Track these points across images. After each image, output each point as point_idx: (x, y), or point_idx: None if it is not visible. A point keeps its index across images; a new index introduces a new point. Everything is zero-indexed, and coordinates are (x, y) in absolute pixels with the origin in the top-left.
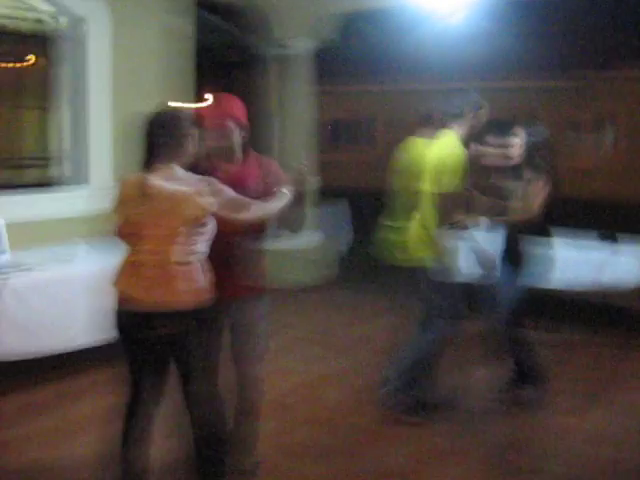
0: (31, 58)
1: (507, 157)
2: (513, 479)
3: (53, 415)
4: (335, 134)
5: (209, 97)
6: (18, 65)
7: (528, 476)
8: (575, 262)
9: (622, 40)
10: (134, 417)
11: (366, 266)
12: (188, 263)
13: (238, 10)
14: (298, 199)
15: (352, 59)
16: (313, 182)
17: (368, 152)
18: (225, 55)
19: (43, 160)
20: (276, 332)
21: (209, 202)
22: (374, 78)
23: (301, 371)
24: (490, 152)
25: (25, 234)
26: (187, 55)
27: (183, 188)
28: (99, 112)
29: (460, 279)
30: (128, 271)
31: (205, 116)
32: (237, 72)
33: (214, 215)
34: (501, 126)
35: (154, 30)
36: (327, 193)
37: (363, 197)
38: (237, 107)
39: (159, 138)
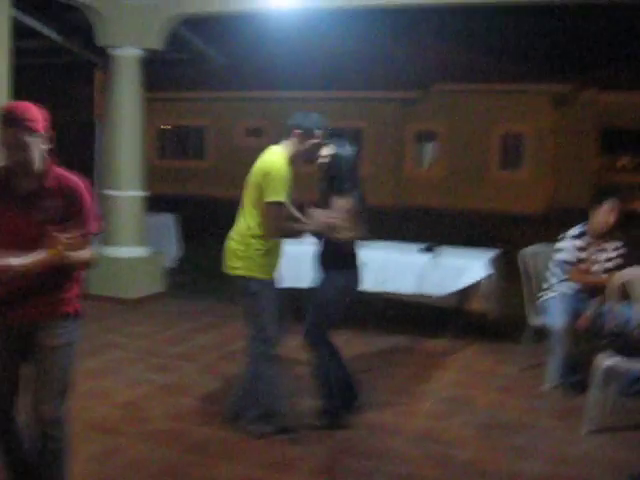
0: None
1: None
2: None
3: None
4: (165, 142)
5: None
6: None
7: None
8: (397, 268)
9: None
10: None
11: (196, 276)
12: None
13: (61, 13)
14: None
15: (180, 66)
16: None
17: (197, 161)
18: (47, 59)
19: None
20: (98, 350)
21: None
22: (205, 86)
23: (124, 390)
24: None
25: None
26: (8, 49)
27: None
28: None
29: (284, 285)
30: None
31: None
32: (60, 77)
33: None
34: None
35: None
36: (155, 202)
37: (194, 206)
38: (33, 116)
39: None
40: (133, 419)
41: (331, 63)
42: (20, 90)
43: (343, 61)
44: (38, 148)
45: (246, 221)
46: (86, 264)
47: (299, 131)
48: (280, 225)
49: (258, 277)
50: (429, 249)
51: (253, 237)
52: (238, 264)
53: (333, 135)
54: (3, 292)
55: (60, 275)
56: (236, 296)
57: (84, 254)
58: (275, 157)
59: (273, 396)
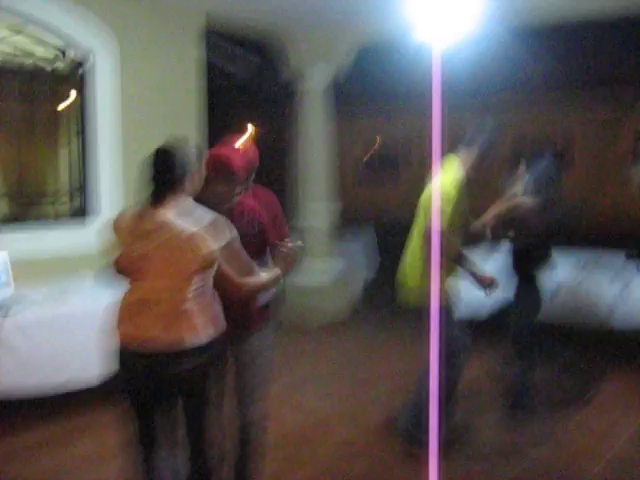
0: (41, 94)
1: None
2: None
3: (57, 454)
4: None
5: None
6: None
7: None
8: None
9: None
10: (150, 464)
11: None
12: (202, 297)
13: (259, 42)
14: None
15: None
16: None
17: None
18: (249, 88)
19: (53, 195)
20: (289, 368)
21: (216, 245)
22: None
23: (313, 408)
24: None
25: (33, 269)
26: (198, 88)
27: (193, 227)
28: (108, 146)
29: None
30: (133, 309)
31: (218, 162)
32: (262, 106)
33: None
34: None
35: (164, 63)
36: (352, 222)
37: (391, 228)
38: (251, 158)
39: (166, 172)
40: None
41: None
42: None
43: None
44: (237, 192)
45: (417, 241)
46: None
47: (481, 139)
48: (456, 248)
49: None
50: (636, 256)
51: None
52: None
53: None
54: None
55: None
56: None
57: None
58: (450, 177)
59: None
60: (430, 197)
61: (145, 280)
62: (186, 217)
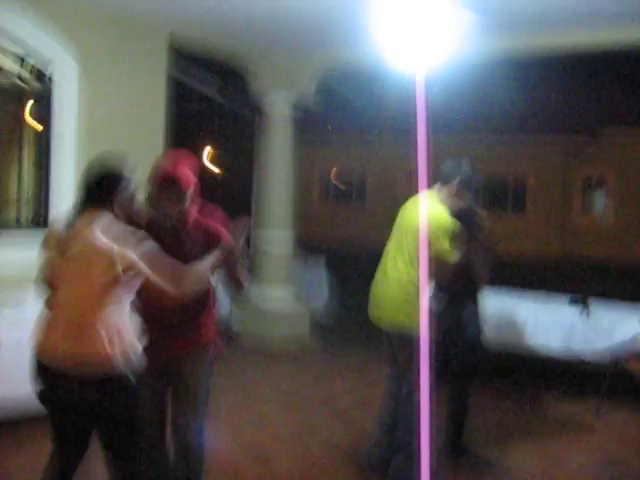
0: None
1: None
2: None
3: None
4: (325, 190)
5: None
6: None
7: None
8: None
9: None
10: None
11: (344, 320)
12: (114, 321)
13: (218, 63)
14: (231, 256)
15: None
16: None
17: (358, 209)
18: (206, 108)
19: (4, 202)
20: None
21: (125, 261)
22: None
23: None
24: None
25: None
26: (159, 105)
27: (108, 245)
28: (62, 157)
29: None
30: (49, 322)
31: (160, 174)
32: (218, 126)
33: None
34: None
35: (125, 77)
36: (306, 249)
37: (346, 255)
38: (187, 178)
39: (91, 188)
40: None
41: (493, 106)
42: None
43: (506, 104)
44: (187, 202)
45: (406, 270)
46: (245, 276)
47: (458, 179)
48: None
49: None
50: (581, 301)
51: (413, 285)
52: (404, 314)
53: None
54: (155, 327)
55: (200, 310)
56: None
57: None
58: (439, 208)
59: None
60: (419, 226)
61: (60, 293)
62: (103, 232)
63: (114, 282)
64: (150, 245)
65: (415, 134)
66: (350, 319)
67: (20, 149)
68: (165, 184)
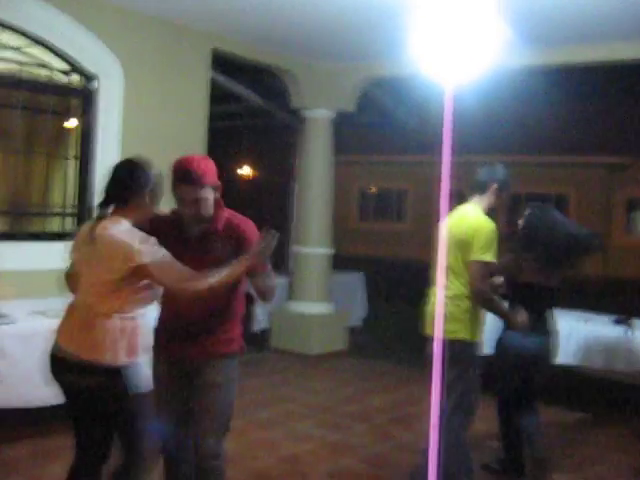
0: (46, 110)
1: None
2: None
3: (26, 475)
4: (364, 204)
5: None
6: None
7: None
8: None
9: None
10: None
11: (380, 337)
12: (117, 318)
13: (259, 75)
14: (259, 266)
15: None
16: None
17: (397, 223)
18: (248, 121)
19: (47, 212)
20: (271, 402)
21: (143, 255)
22: (397, 150)
23: (291, 444)
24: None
25: (17, 284)
26: (200, 116)
27: (121, 236)
28: (106, 168)
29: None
30: (64, 315)
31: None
32: (261, 139)
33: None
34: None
35: (167, 89)
36: (345, 261)
37: (383, 267)
38: (205, 171)
39: (115, 188)
40: (295, 474)
41: (535, 126)
42: (222, 150)
43: (548, 124)
44: (209, 198)
45: (456, 282)
46: (271, 289)
47: (495, 185)
48: (485, 287)
49: (470, 340)
50: (623, 321)
51: (461, 298)
52: (453, 327)
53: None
54: (171, 328)
55: (225, 314)
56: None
57: (270, 279)
58: (479, 214)
59: (466, 468)
60: (466, 232)
61: (76, 290)
62: (119, 230)
63: (126, 275)
64: (163, 250)
65: (453, 150)
66: (387, 335)
67: (64, 160)
68: (181, 175)
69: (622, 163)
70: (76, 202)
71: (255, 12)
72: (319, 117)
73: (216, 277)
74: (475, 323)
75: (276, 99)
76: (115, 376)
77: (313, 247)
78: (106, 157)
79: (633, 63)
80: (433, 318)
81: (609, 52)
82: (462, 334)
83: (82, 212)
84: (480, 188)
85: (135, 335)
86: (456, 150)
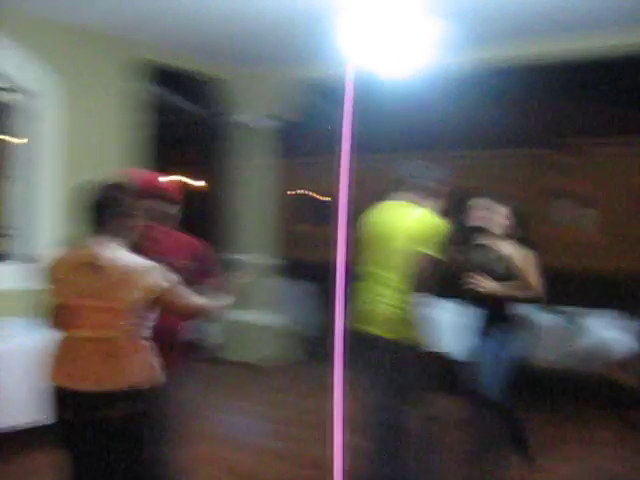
0: None
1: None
2: None
3: None
4: (299, 208)
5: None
6: None
7: None
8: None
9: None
10: None
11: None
12: (140, 339)
13: (196, 84)
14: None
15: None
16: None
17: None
18: (184, 129)
19: None
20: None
21: (164, 279)
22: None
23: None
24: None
25: None
26: (143, 129)
27: (139, 261)
28: (50, 187)
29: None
30: (67, 348)
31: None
32: (197, 145)
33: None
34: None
35: (110, 104)
36: (290, 268)
37: (329, 272)
38: (170, 188)
39: (106, 211)
40: None
41: (461, 123)
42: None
43: (474, 121)
44: (172, 216)
45: (391, 281)
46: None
47: (420, 181)
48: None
49: (407, 339)
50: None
51: (401, 296)
52: (390, 327)
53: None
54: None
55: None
56: (380, 361)
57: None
58: (423, 210)
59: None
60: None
61: (79, 321)
62: (130, 256)
63: (142, 299)
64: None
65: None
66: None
67: (6, 179)
68: (154, 193)
69: (540, 154)
70: (19, 222)
71: (175, 18)
72: (251, 121)
73: (204, 301)
74: (408, 323)
75: (210, 106)
76: (146, 398)
77: (252, 254)
78: (50, 177)
79: (552, 61)
80: (368, 316)
81: (536, 49)
82: (394, 334)
83: (25, 233)
84: (407, 183)
85: (154, 354)
86: (378, 148)
